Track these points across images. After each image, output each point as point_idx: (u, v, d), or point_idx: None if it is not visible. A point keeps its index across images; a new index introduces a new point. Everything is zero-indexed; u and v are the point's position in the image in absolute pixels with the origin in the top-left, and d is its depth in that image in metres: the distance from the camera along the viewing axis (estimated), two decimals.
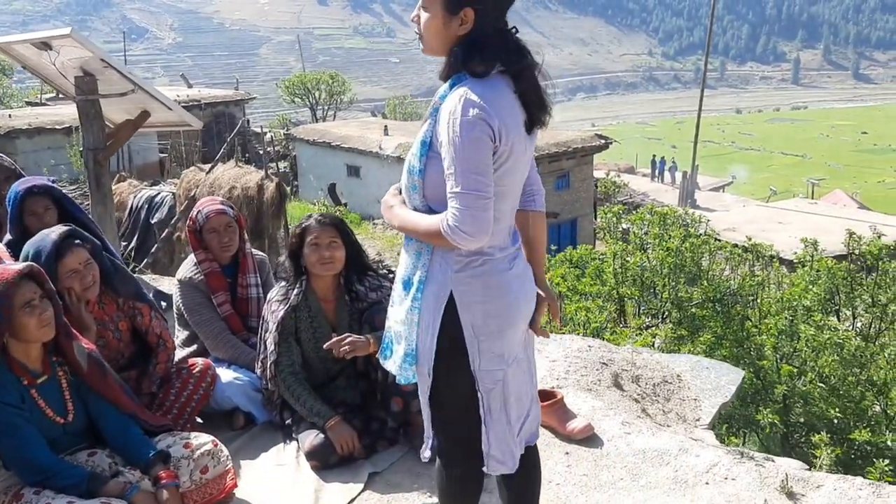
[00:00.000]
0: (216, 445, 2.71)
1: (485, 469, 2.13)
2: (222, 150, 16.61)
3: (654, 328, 7.86)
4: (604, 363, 3.80)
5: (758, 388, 6.48)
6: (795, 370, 6.29)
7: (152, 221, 13.06)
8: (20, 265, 2.45)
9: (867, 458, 5.39)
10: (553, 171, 22.69)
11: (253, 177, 15.16)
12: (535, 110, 2.00)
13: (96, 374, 2.64)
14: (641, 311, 8.48)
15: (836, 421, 5.81)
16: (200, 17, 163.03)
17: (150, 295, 4.46)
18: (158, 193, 13.85)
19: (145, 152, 22.34)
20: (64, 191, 3.50)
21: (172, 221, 11.85)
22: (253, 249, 3.57)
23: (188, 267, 3.44)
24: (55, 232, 2.86)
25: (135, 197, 14.05)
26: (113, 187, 16.03)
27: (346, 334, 3.01)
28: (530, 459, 2.25)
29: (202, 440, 2.70)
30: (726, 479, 2.79)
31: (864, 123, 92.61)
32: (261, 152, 18.84)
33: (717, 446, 3.08)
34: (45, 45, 4.16)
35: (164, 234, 11.75)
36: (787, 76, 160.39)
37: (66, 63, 4.36)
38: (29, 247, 2.82)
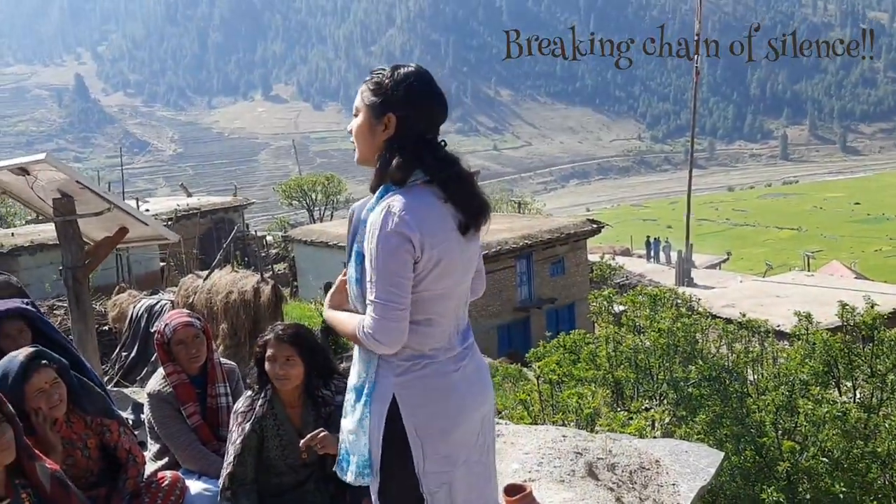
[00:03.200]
0: None
1: None
2: (219, 257, 16.87)
3: (651, 410, 7.78)
4: (578, 453, 3.79)
5: (761, 465, 6.36)
6: (797, 446, 6.20)
7: (152, 330, 13.09)
8: None
9: None
10: (547, 257, 22.96)
11: (249, 280, 15.26)
12: (470, 215, 2.06)
13: (60, 495, 2.66)
14: (639, 394, 8.41)
15: (842, 496, 5.68)
16: (200, 128, 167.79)
17: (130, 408, 4.51)
18: (158, 302, 13.93)
19: (147, 262, 22.62)
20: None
21: None
22: (222, 359, 3.63)
23: (157, 380, 3.50)
24: (22, 353, 2.93)
25: (134, 307, 14.14)
26: (113, 298, 16.18)
27: (320, 429, 3.00)
28: None
29: None
30: None
31: (855, 194, 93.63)
32: (260, 255, 19.09)
33: None
34: (22, 170, 4.35)
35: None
36: (776, 152, 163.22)
37: (44, 186, 4.55)
38: None
